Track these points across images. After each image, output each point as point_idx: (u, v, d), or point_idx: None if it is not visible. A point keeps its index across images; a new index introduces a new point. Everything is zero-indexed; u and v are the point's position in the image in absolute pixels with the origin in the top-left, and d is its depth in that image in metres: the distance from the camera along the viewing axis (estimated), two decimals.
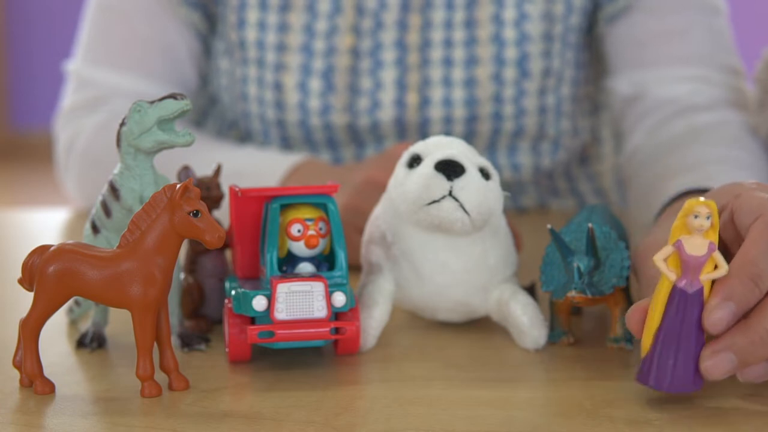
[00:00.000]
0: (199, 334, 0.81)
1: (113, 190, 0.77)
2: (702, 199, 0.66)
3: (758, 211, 0.70)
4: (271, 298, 0.73)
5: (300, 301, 0.73)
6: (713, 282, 0.67)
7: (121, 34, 1.26)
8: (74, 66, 1.28)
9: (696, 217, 0.66)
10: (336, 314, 0.75)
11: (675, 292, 0.67)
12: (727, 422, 0.66)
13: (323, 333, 0.74)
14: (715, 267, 0.67)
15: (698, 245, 0.66)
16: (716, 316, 0.66)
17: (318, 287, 0.74)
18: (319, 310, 0.74)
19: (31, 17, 5.11)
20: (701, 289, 0.67)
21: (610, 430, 0.65)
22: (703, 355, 0.67)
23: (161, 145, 0.75)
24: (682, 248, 0.66)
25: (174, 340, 0.79)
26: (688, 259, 0.66)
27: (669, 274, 0.67)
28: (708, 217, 0.66)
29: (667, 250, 0.67)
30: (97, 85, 1.26)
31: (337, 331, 0.75)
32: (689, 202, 0.66)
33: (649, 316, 0.68)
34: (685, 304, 0.67)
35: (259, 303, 0.74)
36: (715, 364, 0.66)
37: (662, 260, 0.67)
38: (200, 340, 0.80)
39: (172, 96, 0.75)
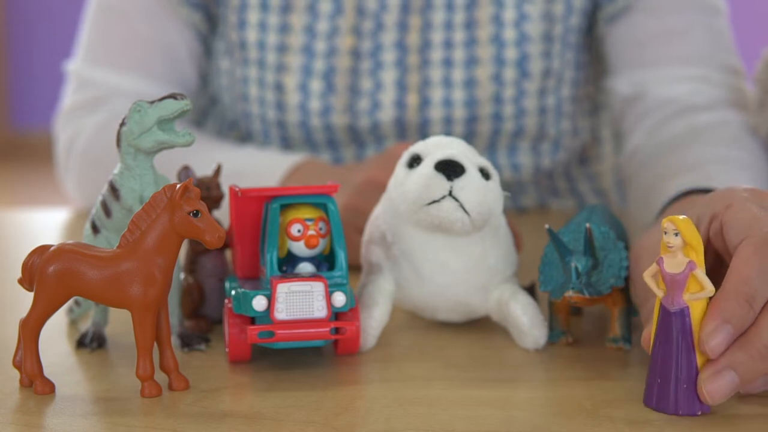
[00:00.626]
0: (199, 334, 0.81)
1: (113, 190, 0.77)
2: (682, 217, 0.66)
3: (747, 230, 0.70)
4: (271, 298, 0.73)
5: (300, 301, 0.73)
6: (708, 301, 0.67)
7: (122, 34, 1.25)
8: (74, 66, 1.28)
9: (665, 233, 0.66)
10: (336, 314, 0.75)
11: (661, 310, 0.67)
12: (727, 422, 0.66)
13: (323, 333, 0.74)
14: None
15: (676, 263, 0.66)
16: (715, 341, 0.65)
17: (318, 287, 0.73)
18: (319, 310, 0.74)
19: (31, 17, 5.11)
20: (686, 308, 0.66)
21: (610, 430, 0.65)
22: (701, 378, 0.66)
23: (161, 145, 0.75)
24: (662, 265, 0.66)
25: (174, 340, 0.79)
26: (665, 275, 0.66)
27: (657, 291, 0.67)
28: (676, 234, 0.65)
29: (654, 267, 0.67)
30: (98, 85, 1.26)
31: (337, 331, 0.75)
32: (664, 220, 0.66)
33: (652, 334, 0.68)
34: (670, 323, 0.66)
35: (259, 303, 0.74)
36: (716, 386, 0.65)
37: (650, 277, 0.67)
38: (200, 340, 0.80)
39: (172, 96, 0.75)
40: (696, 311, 0.66)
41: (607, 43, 1.24)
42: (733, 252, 0.69)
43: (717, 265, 0.73)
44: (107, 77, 1.25)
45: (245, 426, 0.66)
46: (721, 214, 0.72)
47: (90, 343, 0.80)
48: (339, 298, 0.74)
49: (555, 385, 0.73)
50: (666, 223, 0.66)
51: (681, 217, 0.66)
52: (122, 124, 0.76)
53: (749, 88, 1.19)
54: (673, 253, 0.66)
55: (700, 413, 0.67)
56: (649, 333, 0.69)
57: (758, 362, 0.66)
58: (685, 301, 0.66)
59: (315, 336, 0.74)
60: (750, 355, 0.66)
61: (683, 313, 0.66)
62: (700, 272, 0.66)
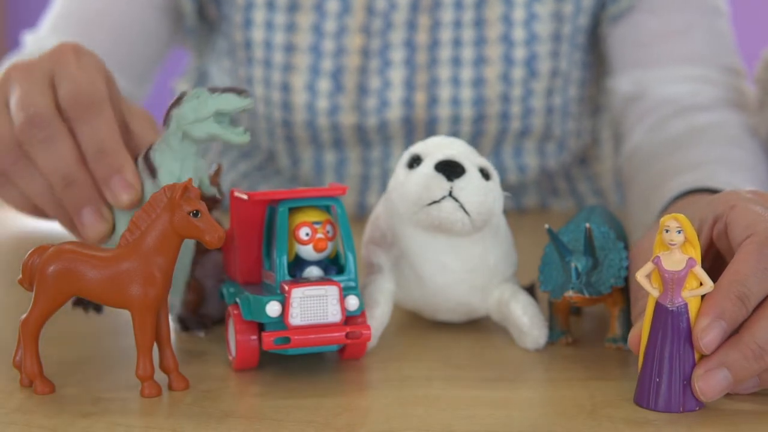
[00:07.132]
0: (198, 319, 0.81)
1: (149, 166, 0.75)
2: (681, 215, 0.66)
3: (750, 229, 0.70)
4: (284, 304, 0.72)
5: (314, 305, 0.72)
6: (702, 298, 0.66)
7: (86, 15, 1.22)
8: (34, 36, 1.23)
9: (667, 231, 0.66)
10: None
11: (657, 309, 0.67)
12: (727, 422, 0.66)
13: (338, 338, 0.72)
14: (700, 284, 0.66)
15: (676, 260, 0.66)
16: (708, 337, 0.65)
17: (332, 291, 0.72)
18: (334, 315, 0.73)
19: (32, 17, 5.12)
20: (685, 306, 0.66)
21: (610, 430, 0.65)
22: (695, 375, 0.66)
23: (213, 138, 0.74)
24: (660, 264, 0.66)
25: (172, 322, 0.79)
26: (666, 274, 0.66)
27: (652, 290, 0.67)
28: (679, 231, 0.65)
29: (649, 266, 0.67)
30: None
31: (350, 335, 0.74)
32: (663, 218, 0.66)
33: (642, 333, 0.68)
34: (668, 321, 0.66)
35: (272, 308, 0.72)
36: (709, 384, 0.66)
37: (644, 276, 0.67)
38: (199, 326, 0.80)
39: (235, 90, 0.74)
40: (693, 308, 0.66)
41: (609, 43, 1.24)
42: (737, 249, 0.69)
43: (718, 267, 0.73)
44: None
45: (245, 426, 0.66)
46: (725, 215, 0.72)
47: (88, 304, 0.80)
48: (352, 302, 0.73)
49: (555, 385, 0.73)
50: (668, 221, 0.66)
51: (679, 214, 0.66)
52: (175, 105, 0.75)
53: (750, 88, 1.19)
54: (672, 251, 0.66)
55: (697, 408, 0.67)
56: (638, 332, 0.69)
57: (752, 361, 0.66)
58: (683, 298, 0.66)
59: (330, 341, 0.72)
60: (743, 354, 0.66)
61: (682, 311, 0.66)
62: (700, 268, 0.66)
